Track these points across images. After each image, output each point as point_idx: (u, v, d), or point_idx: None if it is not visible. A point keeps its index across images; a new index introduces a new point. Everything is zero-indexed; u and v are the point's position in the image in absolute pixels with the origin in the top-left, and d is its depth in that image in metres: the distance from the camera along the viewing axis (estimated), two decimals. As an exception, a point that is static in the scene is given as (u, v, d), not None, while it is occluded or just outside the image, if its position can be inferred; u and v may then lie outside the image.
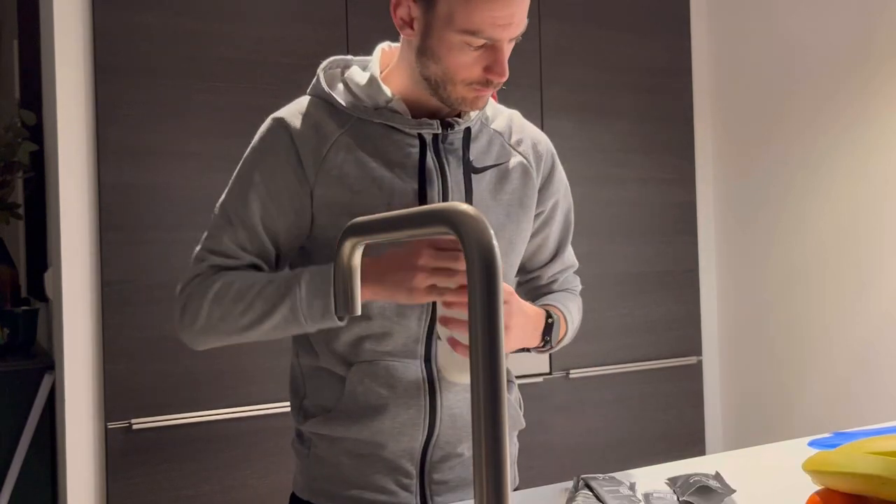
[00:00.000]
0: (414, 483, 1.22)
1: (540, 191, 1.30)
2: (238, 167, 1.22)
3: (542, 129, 2.87)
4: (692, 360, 3.15)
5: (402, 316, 1.18)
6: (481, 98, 1.17)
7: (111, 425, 2.20)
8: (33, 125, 2.73)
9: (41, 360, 2.50)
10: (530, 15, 1.16)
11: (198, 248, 1.21)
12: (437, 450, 1.22)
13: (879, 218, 2.72)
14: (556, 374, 2.85)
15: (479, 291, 0.60)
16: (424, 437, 1.21)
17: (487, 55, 1.11)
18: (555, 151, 1.34)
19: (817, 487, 1.13)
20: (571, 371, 2.86)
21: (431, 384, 1.21)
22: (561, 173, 1.35)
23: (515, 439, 1.37)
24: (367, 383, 1.19)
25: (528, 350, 1.26)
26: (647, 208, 3.06)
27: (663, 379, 3.08)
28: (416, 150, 1.19)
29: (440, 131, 1.19)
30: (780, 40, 3.02)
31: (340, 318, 1.12)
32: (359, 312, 0.86)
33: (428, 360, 1.21)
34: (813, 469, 0.94)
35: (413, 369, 1.20)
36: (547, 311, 1.26)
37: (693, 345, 3.16)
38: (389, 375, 1.19)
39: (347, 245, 0.81)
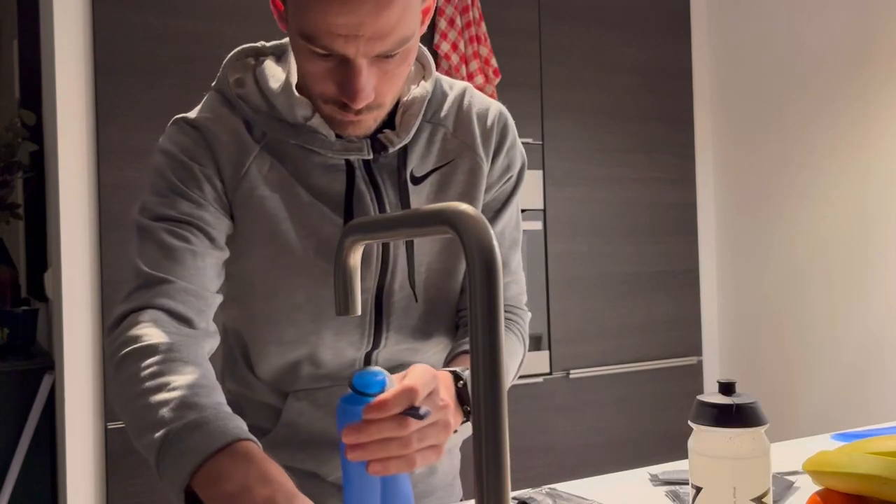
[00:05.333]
0: None
1: (487, 175, 1.08)
2: (148, 179, 1.00)
3: (541, 129, 2.90)
4: (692, 360, 3.15)
5: (335, 337, 1.03)
6: (352, 124, 0.94)
7: (111, 425, 2.20)
8: (33, 125, 2.73)
9: (41, 360, 2.50)
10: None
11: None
12: None
13: (880, 217, 2.71)
14: (556, 374, 2.85)
15: (480, 291, 0.60)
16: None
17: (340, 71, 0.88)
18: (509, 122, 1.09)
19: (817, 487, 1.13)
20: (571, 371, 2.86)
21: None
22: (514, 149, 1.10)
23: (457, 451, 1.24)
24: (310, 412, 1.05)
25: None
26: (647, 208, 3.06)
27: (663, 379, 3.08)
28: (342, 175, 0.99)
29: (371, 156, 0.98)
30: (780, 40, 3.02)
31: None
32: (358, 312, 0.84)
33: None
34: (813, 469, 0.94)
35: None
36: (454, 372, 0.90)
37: (693, 345, 3.16)
38: (333, 402, 1.04)
39: (347, 244, 0.81)
